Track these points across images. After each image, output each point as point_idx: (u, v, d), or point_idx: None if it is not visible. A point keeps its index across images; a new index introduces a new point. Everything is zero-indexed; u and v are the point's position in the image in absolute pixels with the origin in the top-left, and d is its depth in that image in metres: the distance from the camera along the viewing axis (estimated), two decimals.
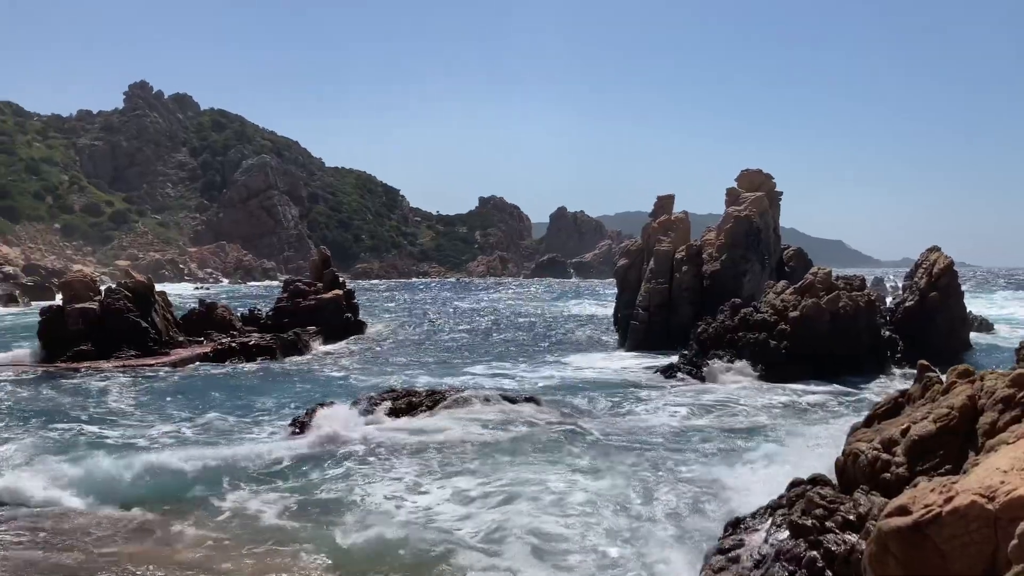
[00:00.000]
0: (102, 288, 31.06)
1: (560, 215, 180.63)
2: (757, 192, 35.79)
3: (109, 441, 15.82)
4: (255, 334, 33.08)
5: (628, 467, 13.49)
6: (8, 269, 77.11)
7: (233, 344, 30.08)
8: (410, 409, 17.67)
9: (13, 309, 58.17)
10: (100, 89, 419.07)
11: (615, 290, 41.03)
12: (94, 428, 17.07)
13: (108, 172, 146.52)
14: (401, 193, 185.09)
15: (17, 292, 66.74)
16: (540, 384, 23.92)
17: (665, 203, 38.32)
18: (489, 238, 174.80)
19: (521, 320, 50.05)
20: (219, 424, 17.64)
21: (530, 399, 19.27)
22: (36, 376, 24.52)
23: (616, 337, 36.92)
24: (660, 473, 13.16)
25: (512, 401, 18.80)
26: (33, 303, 59.71)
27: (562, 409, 18.97)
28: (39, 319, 28.55)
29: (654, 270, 33.68)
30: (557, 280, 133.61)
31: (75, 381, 23.43)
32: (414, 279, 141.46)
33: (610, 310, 45.52)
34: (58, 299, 34.79)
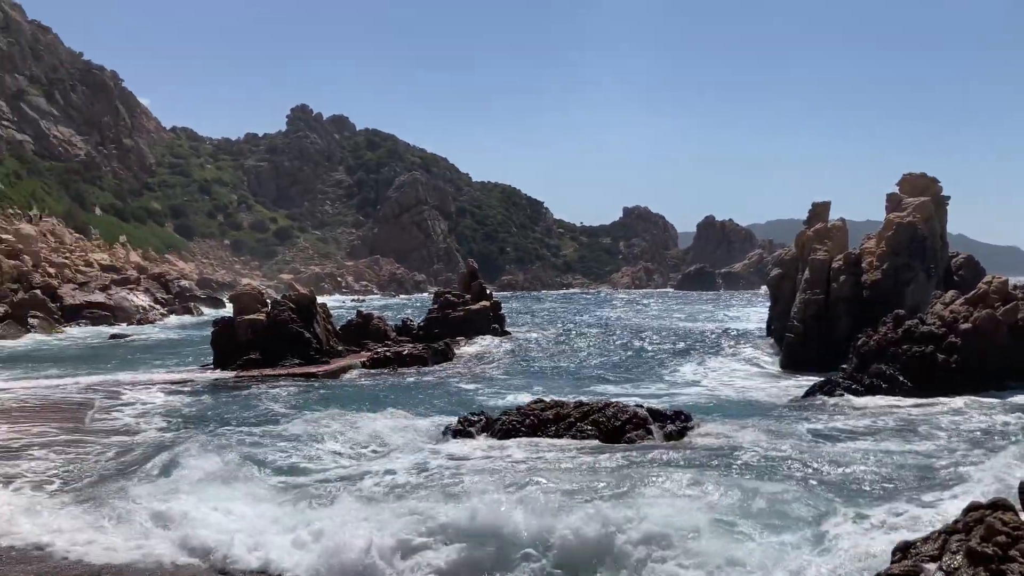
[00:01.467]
0: (268, 300, 33.00)
1: (708, 224, 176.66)
2: (921, 197, 33.77)
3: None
4: (408, 344, 34.20)
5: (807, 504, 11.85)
6: (184, 283, 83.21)
7: (388, 353, 31.22)
8: (557, 420, 17.75)
9: (189, 320, 62.72)
10: (265, 114, 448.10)
11: (767, 302, 39.77)
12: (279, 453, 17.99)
13: (272, 191, 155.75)
14: (545, 205, 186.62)
15: (192, 304, 71.94)
16: (688, 402, 23.40)
17: (820, 210, 36.81)
18: (633, 249, 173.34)
19: (666, 332, 49.28)
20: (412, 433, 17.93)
21: (679, 414, 18.91)
22: (211, 385, 26.21)
23: (768, 350, 35.73)
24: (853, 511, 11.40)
25: (662, 416, 18.52)
26: (206, 314, 64.18)
27: (717, 428, 18.44)
28: (212, 330, 30.64)
29: (809, 280, 32.35)
30: (705, 291, 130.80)
31: (252, 391, 24.74)
32: (558, 291, 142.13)
33: (761, 323, 44.13)
34: (228, 310, 37.28)
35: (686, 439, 17.46)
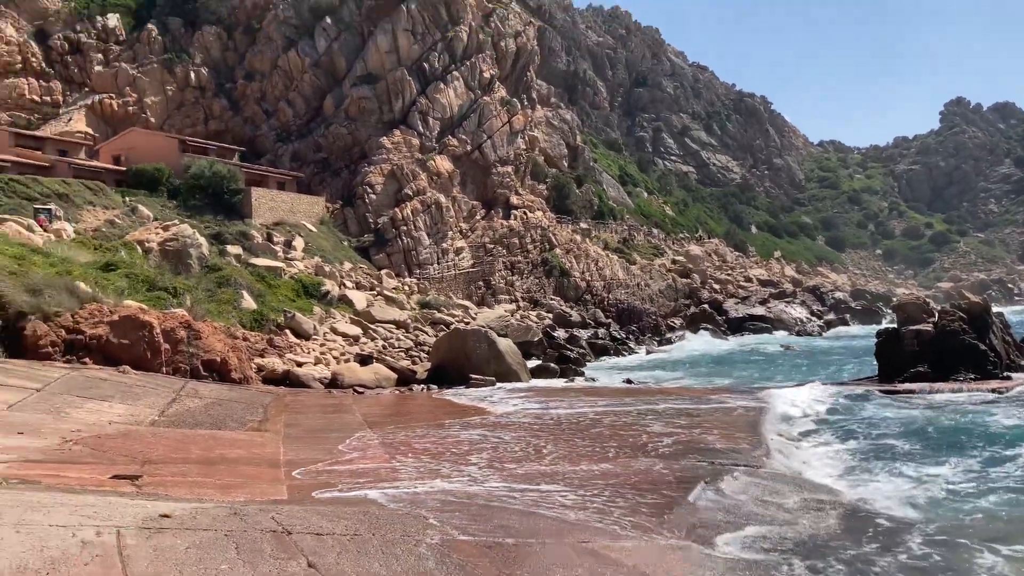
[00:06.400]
0: (935, 310, 30.83)
1: None
2: None
3: None
4: None
5: None
6: (838, 295, 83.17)
7: None
8: None
9: (845, 331, 62.34)
10: (914, 114, 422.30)
11: None
12: None
13: (925, 194, 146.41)
14: None
15: (847, 316, 71.46)
16: None
17: None
18: None
19: None
20: None
21: None
22: (882, 396, 25.36)
23: None
24: None
25: None
26: (861, 326, 63.02)
27: None
28: (875, 341, 29.77)
29: None
30: None
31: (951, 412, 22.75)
32: None
33: None
34: (885, 322, 35.91)
35: None
